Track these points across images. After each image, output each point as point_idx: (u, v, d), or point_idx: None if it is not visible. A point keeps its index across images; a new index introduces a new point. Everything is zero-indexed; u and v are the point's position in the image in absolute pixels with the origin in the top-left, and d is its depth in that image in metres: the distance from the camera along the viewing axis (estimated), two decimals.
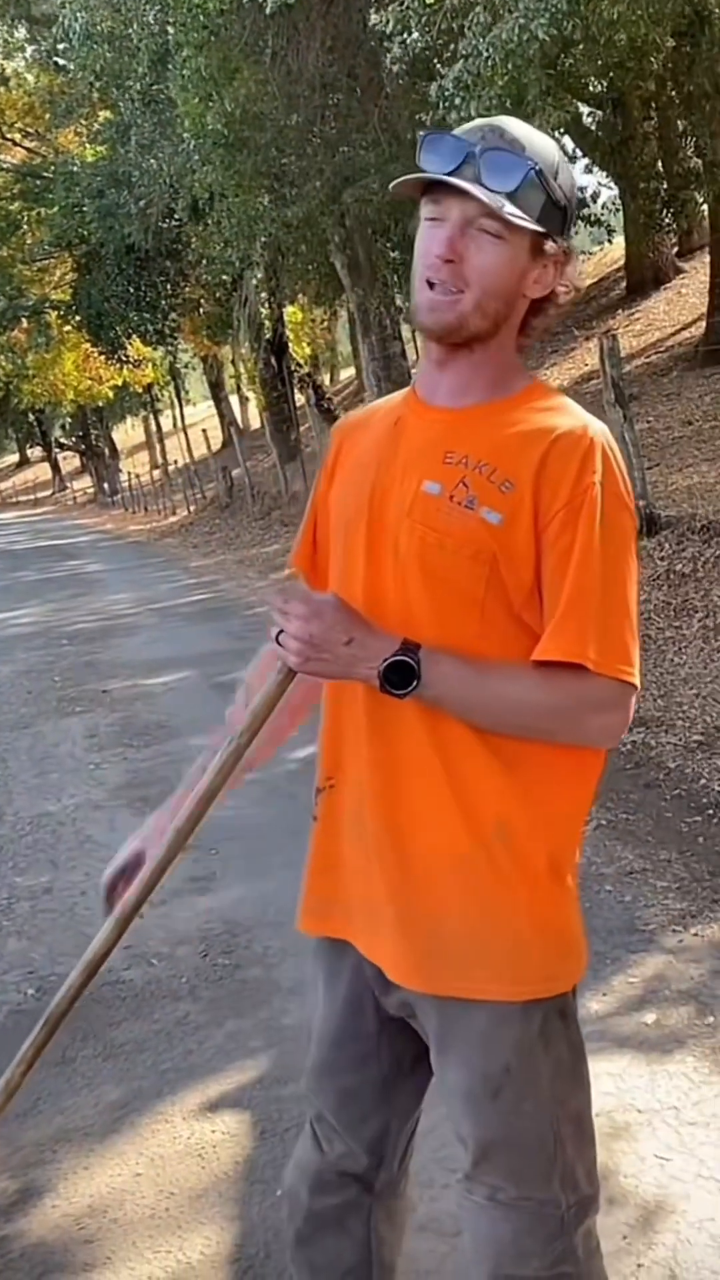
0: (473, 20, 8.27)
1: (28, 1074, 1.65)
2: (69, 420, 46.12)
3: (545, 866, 1.44)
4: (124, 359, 29.30)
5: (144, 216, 18.54)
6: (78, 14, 15.69)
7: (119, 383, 36.26)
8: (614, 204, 17.21)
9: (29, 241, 27.21)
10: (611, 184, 16.74)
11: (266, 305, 23.32)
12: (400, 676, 1.37)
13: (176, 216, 18.98)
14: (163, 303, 25.44)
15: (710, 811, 4.13)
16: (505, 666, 1.41)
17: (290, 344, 26.56)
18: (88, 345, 30.32)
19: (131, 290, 24.41)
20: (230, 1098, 2.81)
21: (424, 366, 1.52)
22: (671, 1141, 2.43)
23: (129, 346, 28.23)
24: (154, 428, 48.69)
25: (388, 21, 9.09)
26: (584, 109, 14.71)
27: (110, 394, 37.74)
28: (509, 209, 1.37)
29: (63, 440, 50.37)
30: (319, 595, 1.43)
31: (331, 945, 1.60)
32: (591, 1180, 1.52)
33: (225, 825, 4.30)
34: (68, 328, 29.39)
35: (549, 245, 1.42)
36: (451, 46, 8.83)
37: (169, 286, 25.02)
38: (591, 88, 13.23)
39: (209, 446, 31.95)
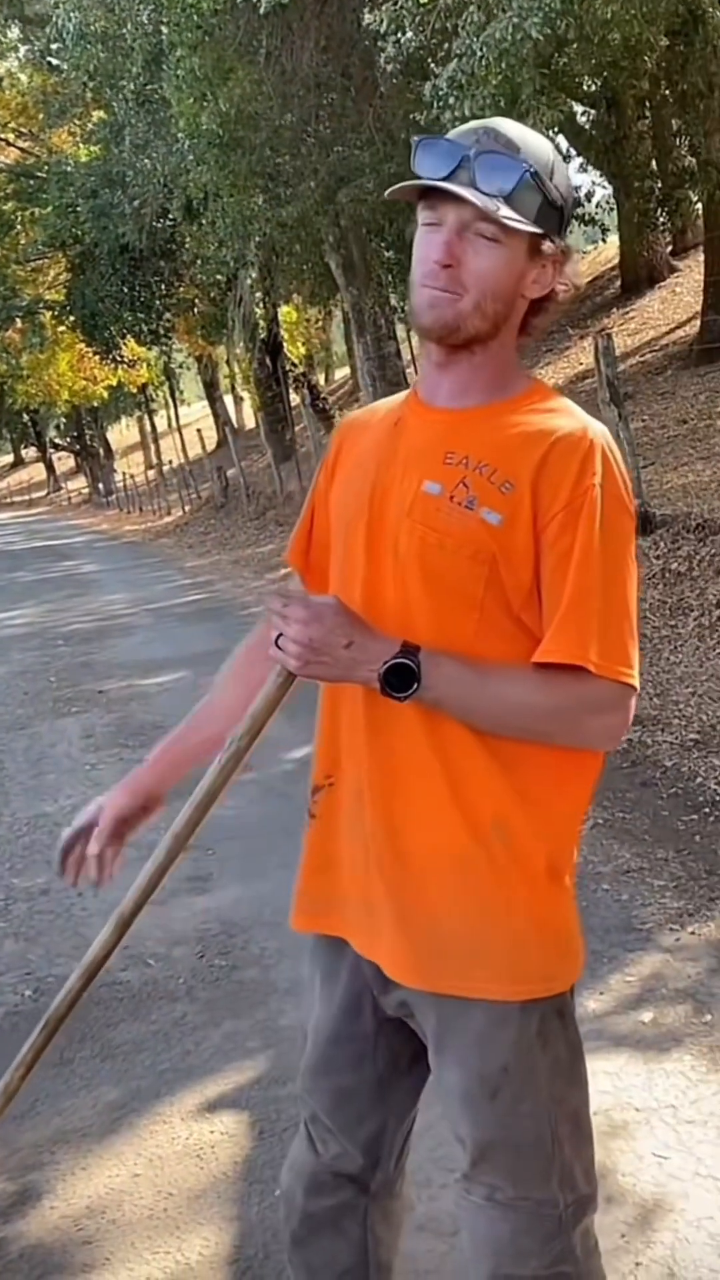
0: (466, 19, 8.27)
1: (26, 1077, 1.65)
2: (63, 420, 46.04)
3: (543, 866, 1.44)
4: (118, 359, 29.27)
5: (138, 216, 18.53)
6: (71, 14, 15.69)
7: (114, 383, 36.23)
8: (608, 203, 17.21)
9: (23, 242, 27.19)
10: (606, 183, 16.76)
11: (261, 305, 23.32)
12: (401, 679, 1.37)
13: (171, 216, 18.98)
14: (157, 303, 25.43)
15: (707, 810, 4.13)
16: (505, 668, 1.41)
17: (285, 344, 26.56)
18: (82, 345, 30.29)
19: (126, 290, 24.39)
20: (228, 1098, 2.81)
21: (424, 369, 1.52)
22: (669, 1140, 2.43)
23: (123, 346, 28.19)
24: (149, 428, 48.62)
25: (382, 21, 9.08)
26: (578, 108, 14.69)
27: (105, 394, 37.69)
28: (505, 212, 1.37)
29: (57, 441, 50.26)
30: (318, 598, 1.43)
31: (328, 945, 1.60)
32: (589, 1179, 1.53)
33: (222, 825, 4.30)
34: (62, 328, 29.36)
35: (547, 245, 1.42)
36: (445, 46, 8.82)
37: (163, 286, 25.00)
38: (585, 87, 13.22)
39: (204, 446, 31.94)
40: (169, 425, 50.34)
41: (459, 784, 1.43)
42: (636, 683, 1.40)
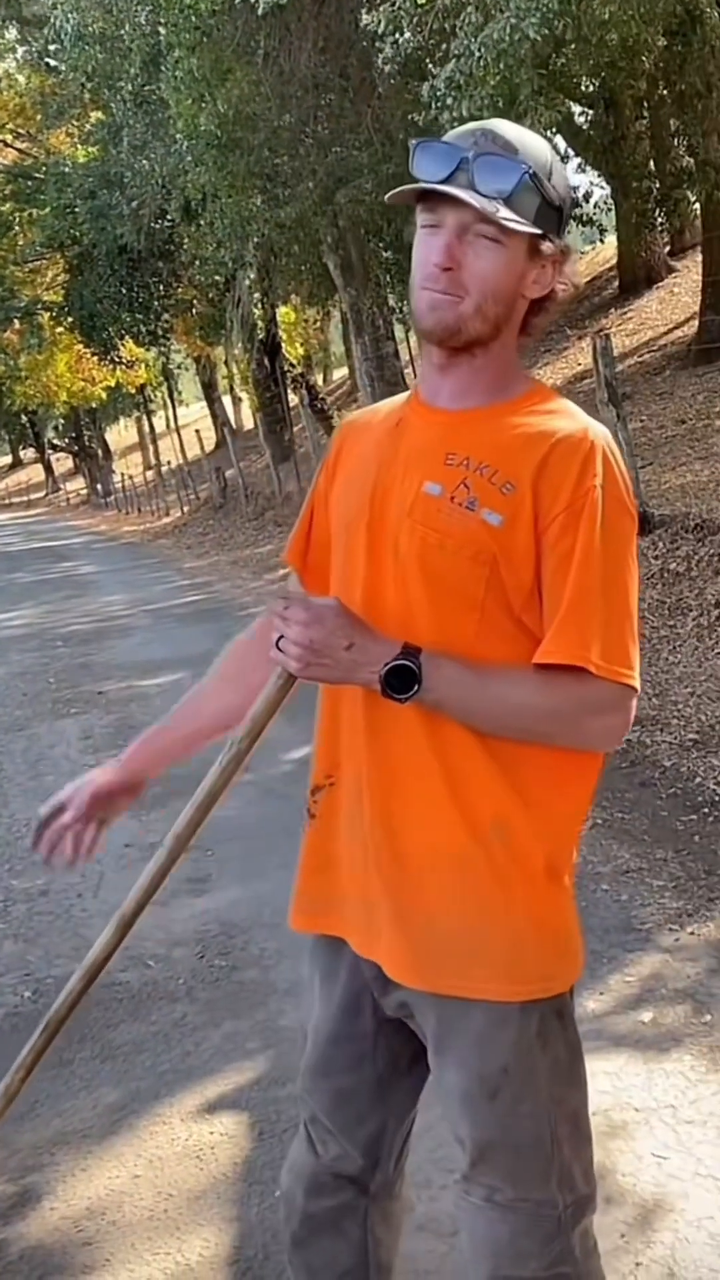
0: (464, 20, 8.27)
1: (27, 1080, 1.66)
2: (62, 421, 46.04)
3: (543, 866, 1.44)
4: (117, 360, 29.26)
5: (136, 217, 18.52)
6: (69, 15, 15.68)
7: (112, 384, 36.24)
8: (606, 203, 17.19)
9: (21, 243, 27.18)
10: (604, 183, 16.74)
11: (259, 306, 23.31)
12: (402, 681, 1.37)
13: (169, 217, 18.97)
14: (155, 303, 25.41)
15: (706, 810, 4.14)
16: (506, 670, 1.41)
17: (283, 344, 26.54)
18: (80, 346, 30.28)
19: (124, 291, 24.38)
20: (228, 1099, 2.81)
21: (425, 370, 1.52)
22: (669, 1140, 2.43)
23: (122, 347, 28.18)
24: (147, 429, 48.62)
25: (379, 22, 9.08)
26: (576, 108, 14.71)
27: (103, 395, 37.70)
28: (504, 213, 1.37)
29: (56, 442, 50.29)
30: (319, 600, 1.43)
31: (328, 945, 1.60)
32: (589, 1180, 1.53)
33: (221, 826, 4.29)
34: (60, 329, 29.34)
35: (546, 246, 1.42)
36: (443, 46, 8.82)
37: (162, 287, 24.98)
38: (583, 87, 13.21)
39: (202, 447, 31.96)
40: (167, 426, 50.35)
41: (458, 784, 1.43)
42: (637, 684, 1.40)
